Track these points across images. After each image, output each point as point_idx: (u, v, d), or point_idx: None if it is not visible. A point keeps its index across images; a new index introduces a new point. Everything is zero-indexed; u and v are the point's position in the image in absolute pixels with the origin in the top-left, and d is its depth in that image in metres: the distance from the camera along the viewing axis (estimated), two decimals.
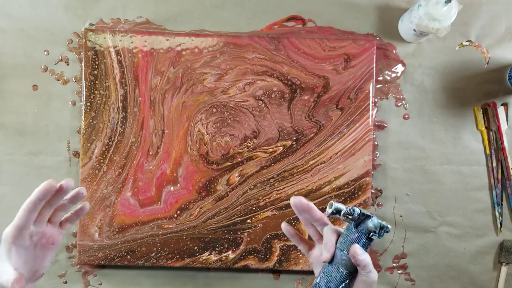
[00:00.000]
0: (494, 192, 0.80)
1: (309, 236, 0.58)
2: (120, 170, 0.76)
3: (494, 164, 0.80)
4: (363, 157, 0.77)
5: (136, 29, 0.79)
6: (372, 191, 0.80)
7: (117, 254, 0.76)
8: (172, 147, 0.77)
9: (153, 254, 0.77)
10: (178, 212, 0.77)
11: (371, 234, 0.52)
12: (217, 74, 0.77)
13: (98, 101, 0.76)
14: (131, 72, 0.76)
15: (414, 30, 0.75)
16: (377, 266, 0.80)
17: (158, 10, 0.79)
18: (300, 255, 0.77)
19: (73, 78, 0.79)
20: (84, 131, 0.76)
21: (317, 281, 0.54)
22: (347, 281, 0.53)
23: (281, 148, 0.77)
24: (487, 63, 0.81)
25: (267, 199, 0.77)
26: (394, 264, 0.81)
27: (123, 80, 0.76)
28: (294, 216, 0.76)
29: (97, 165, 0.76)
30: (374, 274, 0.51)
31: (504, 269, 0.80)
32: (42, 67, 0.79)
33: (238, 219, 0.77)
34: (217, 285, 0.80)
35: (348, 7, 0.80)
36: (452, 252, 0.81)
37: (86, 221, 0.76)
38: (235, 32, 0.79)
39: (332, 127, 0.77)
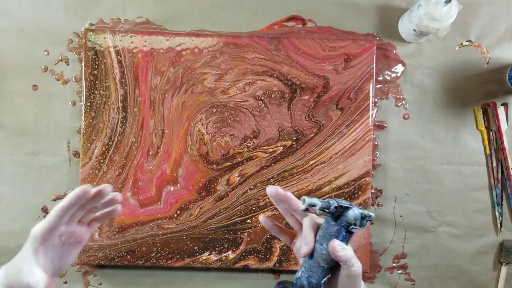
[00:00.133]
0: (494, 192, 0.80)
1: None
2: (120, 170, 0.76)
3: (494, 164, 0.80)
4: (363, 157, 0.77)
5: (136, 29, 0.79)
6: (372, 191, 0.80)
7: (117, 254, 0.76)
8: (172, 147, 0.77)
9: (153, 254, 0.77)
10: (178, 212, 0.77)
11: (351, 227, 0.49)
12: (217, 74, 0.77)
13: (98, 101, 0.76)
14: (131, 72, 0.76)
15: (414, 30, 0.75)
16: (377, 266, 0.80)
17: (158, 10, 0.79)
18: None
19: (73, 78, 0.79)
20: (84, 131, 0.76)
21: (299, 275, 0.52)
22: (329, 275, 0.51)
23: (281, 148, 0.77)
24: (487, 63, 0.81)
25: (267, 199, 0.77)
26: (394, 264, 0.81)
27: (123, 80, 0.76)
28: None
29: (97, 165, 0.76)
30: (357, 267, 0.49)
31: (504, 269, 0.80)
32: (42, 67, 0.79)
33: (238, 219, 0.77)
34: (217, 285, 0.80)
35: (348, 7, 0.80)
36: (452, 252, 0.81)
37: None
38: (235, 32, 0.79)
39: (332, 127, 0.77)
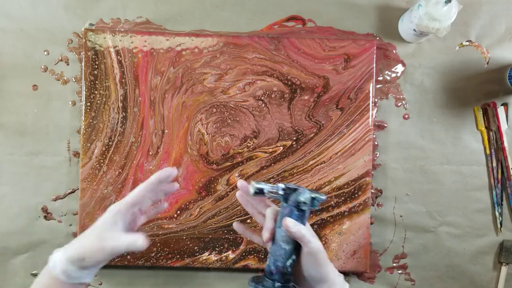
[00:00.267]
0: (494, 192, 0.80)
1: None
2: (120, 170, 0.76)
3: (494, 164, 0.80)
4: (363, 157, 0.77)
5: (136, 29, 0.79)
6: (372, 191, 0.80)
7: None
8: (172, 147, 0.77)
9: (153, 254, 0.77)
10: (178, 212, 0.77)
11: (300, 205, 0.53)
12: (217, 74, 0.77)
13: (98, 101, 0.76)
14: (131, 72, 0.76)
15: (414, 30, 0.75)
16: (377, 266, 0.80)
17: (158, 10, 0.79)
18: None
19: (73, 78, 0.79)
20: (84, 131, 0.76)
21: (267, 263, 0.54)
22: (293, 256, 0.53)
23: (281, 148, 0.77)
24: (487, 63, 0.81)
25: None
26: (394, 264, 0.81)
27: (123, 80, 0.76)
28: None
29: (97, 165, 0.76)
30: (314, 244, 0.51)
31: (504, 269, 0.80)
32: (42, 67, 0.79)
33: (238, 219, 0.77)
34: (217, 285, 0.80)
35: (348, 7, 0.80)
36: (452, 252, 0.81)
37: (86, 221, 0.76)
38: (235, 32, 0.79)
39: (332, 127, 0.77)
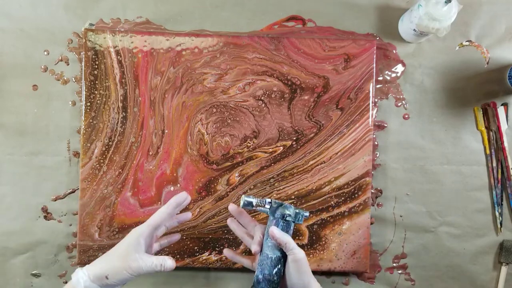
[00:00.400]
0: (494, 192, 0.80)
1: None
2: (120, 170, 0.76)
3: (494, 164, 0.80)
4: (363, 157, 0.77)
5: (136, 29, 0.79)
6: (372, 191, 0.80)
7: None
8: (172, 147, 0.77)
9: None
10: (178, 212, 0.77)
11: (285, 216, 0.59)
12: (217, 74, 0.77)
13: (98, 101, 0.76)
14: (131, 72, 0.76)
15: (414, 30, 0.75)
16: (377, 266, 0.80)
17: (158, 10, 0.79)
18: None
19: (73, 78, 0.79)
20: (84, 131, 0.76)
21: (255, 273, 0.60)
22: (279, 265, 0.59)
23: (281, 148, 0.77)
24: (487, 63, 0.81)
25: (266, 197, 0.77)
26: (394, 264, 0.81)
27: (123, 80, 0.76)
28: None
29: (97, 165, 0.76)
30: (298, 251, 0.57)
31: (504, 269, 0.80)
32: (42, 67, 0.79)
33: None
34: (217, 285, 0.80)
35: (348, 7, 0.80)
36: (452, 252, 0.81)
37: (86, 221, 0.76)
38: (235, 32, 0.79)
39: (332, 127, 0.77)
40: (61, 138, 0.79)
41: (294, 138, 0.77)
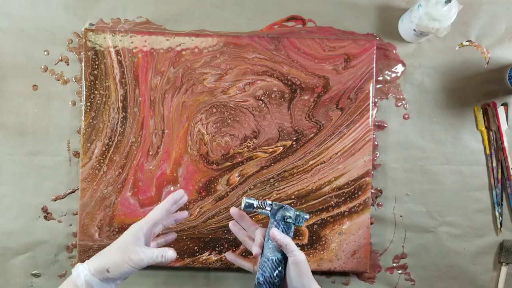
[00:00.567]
0: (494, 192, 0.80)
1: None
2: (120, 170, 0.76)
3: (494, 164, 0.80)
4: (363, 157, 0.77)
5: (136, 29, 0.79)
6: (372, 191, 0.80)
7: None
8: (172, 147, 0.77)
9: None
10: (175, 211, 0.77)
11: (286, 218, 0.60)
12: (217, 74, 0.77)
13: (98, 101, 0.76)
14: (131, 72, 0.76)
15: (414, 30, 0.75)
16: (377, 266, 0.80)
17: (158, 10, 0.79)
18: None
19: (73, 78, 0.79)
20: (84, 131, 0.76)
21: (256, 276, 0.60)
22: (280, 267, 0.59)
23: (281, 148, 0.77)
24: (487, 63, 0.81)
25: (267, 199, 0.77)
26: (394, 264, 0.81)
27: (123, 80, 0.76)
28: None
29: (97, 165, 0.76)
30: (298, 253, 0.58)
31: (504, 269, 0.80)
32: (42, 67, 0.79)
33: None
34: (217, 285, 0.80)
35: (348, 7, 0.80)
36: (452, 252, 0.81)
37: (86, 221, 0.76)
38: (235, 32, 0.79)
39: (332, 127, 0.77)
40: (61, 138, 0.79)
41: (294, 138, 0.77)
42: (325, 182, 0.77)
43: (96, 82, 0.76)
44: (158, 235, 0.67)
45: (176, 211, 0.66)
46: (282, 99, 0.77)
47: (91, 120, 0.76)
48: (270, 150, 0.77)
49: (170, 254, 0.58)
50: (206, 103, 0.77)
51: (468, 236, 0.81)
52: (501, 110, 0.80)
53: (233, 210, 0.65)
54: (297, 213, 0.61)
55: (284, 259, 0.60)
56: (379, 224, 0.80)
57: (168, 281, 0.80)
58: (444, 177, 0.81)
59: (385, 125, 0.80)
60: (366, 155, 0.77)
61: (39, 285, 0.79)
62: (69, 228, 0.79)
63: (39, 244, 0.79)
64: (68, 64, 0.79)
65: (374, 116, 0.79)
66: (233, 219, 0.67)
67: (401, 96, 0.80)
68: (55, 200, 0.79)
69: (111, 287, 0.57)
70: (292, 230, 0.61)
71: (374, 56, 0.77)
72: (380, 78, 0.80)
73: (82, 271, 0.55)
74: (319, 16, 0.80)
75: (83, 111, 0.76)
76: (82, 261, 0.76)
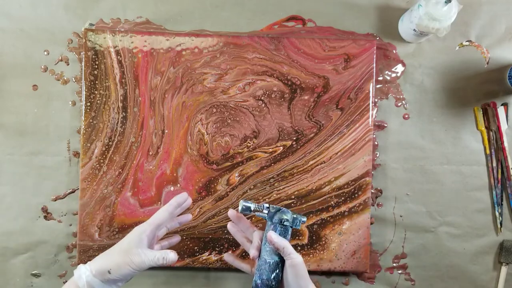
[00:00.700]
0: (494, 192, 0.80)
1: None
2: (120, 170, 0.76)
3: (494, 164, 0.80)
4: (363, 157, 0.77)
5: (136, 29, 0.79)
6: (372, 191, 0.80)
7: None
8: (172, 147, 0.77)
9: None
10: (179, 213, 0.77)
11: (283, 221, 0.60)
12: (217, 74, 0.77)
13: (98, 101, 0.76)
14: (131, 72, 0.76)
15: (414, 30, 0.75)
16: (377, 266, 0.80)
17: (158, 10, 0.79)
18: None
19: (73, 78, 0.79)
20: (84, 131, 0.76)
21: (254, 278, 0.60)
22: (277, 270, 0.60)
23: (281, 148, 0.77)
24: (487, 63, 0.81)
25: (267, 199, 0.77)
26: (394, 264, 0.81)
27: (123, 80, 0.76)
28: None
29: (97, 165, 0.76)
30: (295, 256, 0.58)
31: (504, 269, 0.80)
32: (42, 67, 0.79)
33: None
34: (217, 285, 0.80)
35: (348, 7, 0.80)
36: (452, 252, 0.81)
37: (86, 221, 0.76)
38: (235, 32, 0.79)
39: (332, 127, 0.77)
40: (61, 138, 0.79)
41: (294, 138, 0.77)
42: (325, 182, 0.77)
43: (96, 82, 0.76)
44: (162, 238, 0.67)
45: (180, 214, 0.66)
46: (282, 99, 0.77)
47: (91, 120, 0.76)
48: (270, 150, 0.77)
49: (171, 256, 0.58)
50: (206, 103, 0.77)
51: (468, 236, 0.81)
52: (501, 110, 0.80)
53: (230, 213, 0.65)
54: (295, 216, 0.61)
55: (281, 262, 0.60)
56: (379, 224, 0.80)
57: (168, 281, 0.80)
58: (444, 177, 0.81)
59: (385, 125, 0.80)
60: (366, 155, 0.77)
61: (39, 285, 0.79)
62: (69, 228, 0.79)
63: (39, 244, 0.79)
64: (68, 64, 0.79)
65: (374, 116, 0.79)
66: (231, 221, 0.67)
67: (401, 96, 0.80)
68: (55, 200, 0.79)
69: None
70: (290, 233, 0.62)
71: (374, 56, 0.77)
72: (380, 78, 0.80)
73: (84, 272, 0.56)
74: (319, 16, 0.80)
75: (83, 111, 0.76)
76: (82, 261, 0.76)
